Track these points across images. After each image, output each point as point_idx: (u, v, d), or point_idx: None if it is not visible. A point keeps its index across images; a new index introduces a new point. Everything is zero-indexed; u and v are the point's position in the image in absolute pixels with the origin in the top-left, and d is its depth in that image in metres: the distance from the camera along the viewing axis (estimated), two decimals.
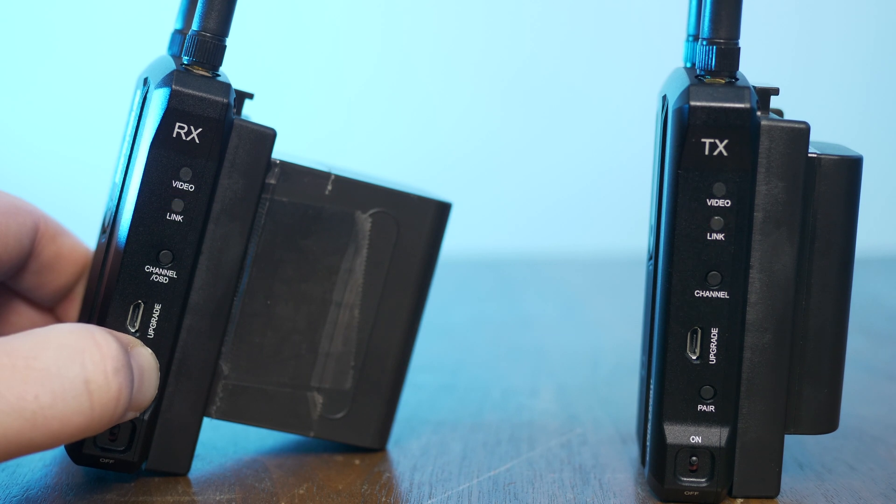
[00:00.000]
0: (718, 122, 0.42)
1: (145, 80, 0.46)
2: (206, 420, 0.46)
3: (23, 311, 0.49)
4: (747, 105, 0.42)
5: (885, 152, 1.04)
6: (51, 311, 0.50)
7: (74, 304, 0.49)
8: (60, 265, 0.48)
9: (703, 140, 0.42)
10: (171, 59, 0.45)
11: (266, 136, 0.45)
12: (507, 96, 1.05)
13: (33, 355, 0.37)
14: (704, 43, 0.42)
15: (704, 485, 0.44)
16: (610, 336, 0.72)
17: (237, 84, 0.45)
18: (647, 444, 0.45)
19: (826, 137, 0.46)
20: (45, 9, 1.01)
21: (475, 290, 0.88)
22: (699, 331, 0.43)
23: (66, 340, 0.38)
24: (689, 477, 0.44)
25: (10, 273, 0.47)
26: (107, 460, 0.44)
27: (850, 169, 0.44)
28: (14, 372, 0.37)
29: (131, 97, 0.47)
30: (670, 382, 0.43)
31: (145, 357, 0.42)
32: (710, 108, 0.42)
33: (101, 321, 0.44)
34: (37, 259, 0.47)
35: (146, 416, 0.44)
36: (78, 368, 0.38)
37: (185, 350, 0.45)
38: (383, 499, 0.45)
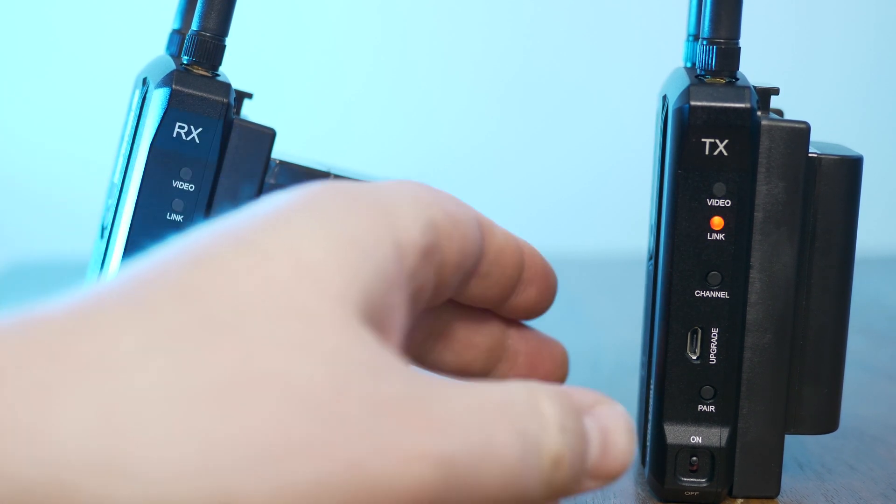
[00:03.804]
0: (719, 121, 0.42)
1: (144, 80, 0.46)
2: None
3: (469, 321, 0.43)
4: (747, 105, 0.42)
5: (885, 152, 1.04)
6: (486, 311, 0.43)
7: (514, 306, 0.42)
8: (504, 259, 0.40)
9: (703, 140, 0.42)
10: (170, 59, 0.45)
11: (266, 136, 0.45)
12: (506, 96, 1.05)
13: (506, 400, 0.32)
14: (705, 43, 0.42)
15: (704, 485, 0.44)
16: (610, 336, 0.72)
17: (237, 84, 0.45)
18: (647, 444, 0.45)
19: (826, 137, 0.46)
20: (44, 7, 1.01)
21: None
22: (699, 331, 0.43)
23: (521, 391, 0.32)
24: (689, 477, 0.44)
25: (464, 278, 0.39)
26: None
27: (850, 169, 0.43)
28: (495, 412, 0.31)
29: (129, 97, 0.47)
30: (670, 382, 0.43)
31: (610, 417, 0.35)
32: (711, 107, 0.42)
33: None
34: (485, 258, 0.39)
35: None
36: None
37: None
38: None
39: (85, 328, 0.28)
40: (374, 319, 0.32)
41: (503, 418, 0.31)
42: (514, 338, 0.44)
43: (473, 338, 0.43)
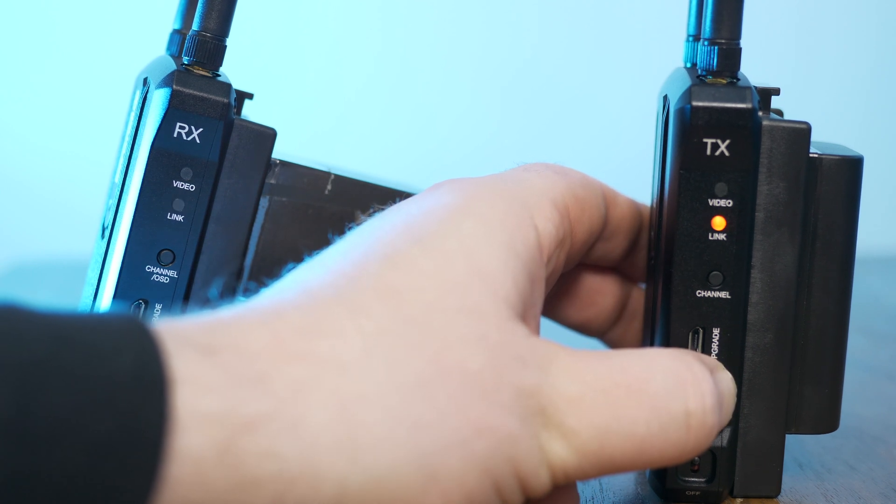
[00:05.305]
0: (720, 122, 0.42)
1: (145, 80, 0.46)
2: None
3: (593, 281, 0.48)
4: (749, 105, 0.42)
5: (885, 152, 1.04)
6: (611, 272, 0.49)
7: (633, 262, 0.48)
8: (624, 225, 0.46)
9: (704, 140, 0.42)
10: (170, 59, 0.45)
11: (266, 136, 0.45)
12: (506, 96, 1.05)
13: (645, 379, 0.37)
14: (706, 43, 0.42)
15: (706, 484, 0.44)
16: None
17: (237, 84, 0.45)
18: None
19: (826, 137, 0.46)
20: (44, 7, 1.01)
21: None
22: (701, 331, 0.43)
23: (670, 367, 0.38)
24: (690, 476, 0.44)
25: (589, 246, 0.45)
26: None
27: (850, 169, 0.44)
28: (629, 393, 0.37)
29: (130, 97, 0.47)
30: None
31: (726, 383, 0.40)
32: (712, 108, 0.42)
33: None
34: (608, 225, 0.45)
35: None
36: (682, 401, 0.37)
37: None
38: None
39: (316, 327, 0.34)
40: (523, 313, 0.37)
41: (635, 395, 0.37)
42: (634, 301, 0.49)
43: (595, 297, 0.49)
